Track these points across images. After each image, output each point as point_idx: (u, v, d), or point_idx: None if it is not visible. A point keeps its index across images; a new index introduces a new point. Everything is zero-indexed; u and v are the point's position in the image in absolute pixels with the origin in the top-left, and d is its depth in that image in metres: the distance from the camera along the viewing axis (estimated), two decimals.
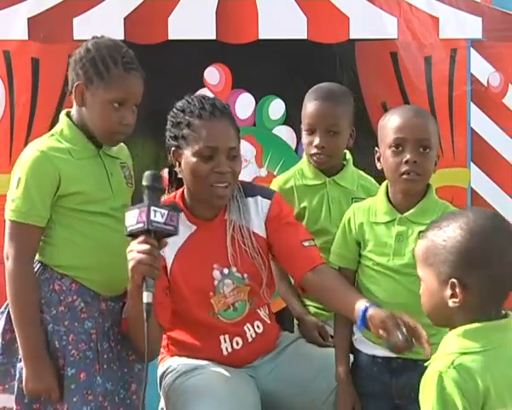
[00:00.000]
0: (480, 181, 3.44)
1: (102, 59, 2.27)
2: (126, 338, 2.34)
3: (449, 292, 1.68)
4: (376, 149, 2.31)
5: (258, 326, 2.45)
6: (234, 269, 2.38)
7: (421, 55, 3.41)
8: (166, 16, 3.27)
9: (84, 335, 2.27)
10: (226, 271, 2.38)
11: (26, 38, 3.24)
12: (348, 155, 2.74)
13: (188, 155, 2.32)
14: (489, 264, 1.67)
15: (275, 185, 2.71)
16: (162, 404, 2.49)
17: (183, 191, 2.43)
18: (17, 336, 2.25)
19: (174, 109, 2.42)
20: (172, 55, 3.29)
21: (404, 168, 2.18)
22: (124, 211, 2.30)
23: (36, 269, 2.29)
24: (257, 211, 2.43)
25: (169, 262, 2.34)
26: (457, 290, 1.67)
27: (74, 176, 2.25)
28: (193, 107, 2.35)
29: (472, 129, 3.43)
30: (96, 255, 2.28)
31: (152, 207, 2.01)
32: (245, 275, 2.39)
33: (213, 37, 3.29)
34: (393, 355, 2.18)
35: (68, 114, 2.34)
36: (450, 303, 1.68)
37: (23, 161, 2.24)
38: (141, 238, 2.05)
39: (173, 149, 2.38)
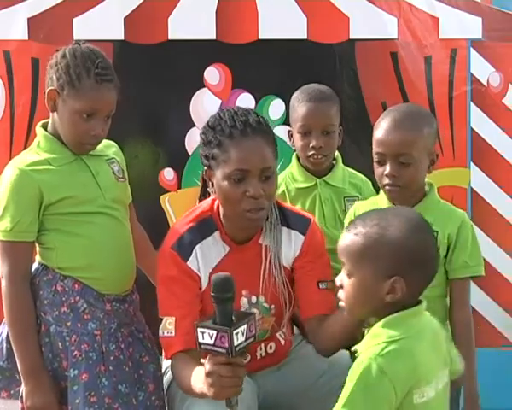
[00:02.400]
0: (480, 181, 3.44)
1: (75, 67, 2.25)
2: (137, 340, 2.34)
3: (387, 288, 1.78)
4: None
5: (270, 347, 2.41)
6: (262, 299, 2.30)
7: (421, 55, 3.40)
8: (166, 16, 3.27)
9: (87, 336, 2.28)
10: (254, 299, 2.30)
11: (26, 38, 3.24)
12: (336, 154, 2.75)
13: (218, 178, 2.19)
14: (426, 262, 1.83)
15: None
16: None
17: (219, 206, 2.31)
18: (15, 353, 2.27)
19: (206, 125, 2.26)
20: (172, 55, 3.29)
21: (385, 181, 2.26)
22: (115, 206, 2.33)
23: (38, 271, 2.30)
24: (289, 244, 2.33)
25: (204, 285, 2.27)
26: (398, 286, 1.78)
27: (57, 184, 2.26)
28: (223, 124, 2.20)
29: (472, 129, 3.43)
30: (93, 254, 2.30)
31: (234, 332, 1.81)
32: (272, 306, 2.32)
33: (213, 37, 3.29)
34: None
35: (44, 125, 2.35)
36: (388, 298, 1.79)
37: (3, 181, 2.27)
38: (222, 359, 1.85)
39: (205, 168, 2.26)
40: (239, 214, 2.19)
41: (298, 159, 2.76)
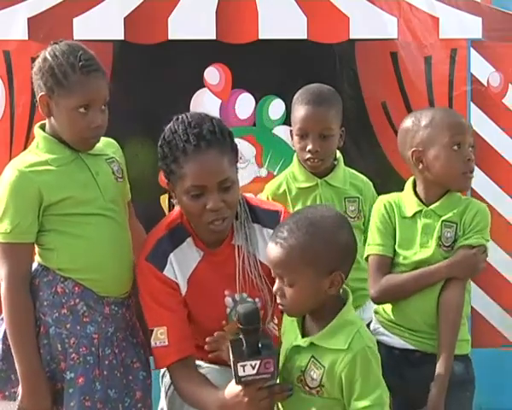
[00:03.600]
0: (480, 181, 3.44)
1: (60, 66, 2.23)
2: (130, 345, 2.34)
3: (328, 283, 1.92)
4: (415, 149, 2.33)
5: None
6: (245, 295, 2.29)
7: (421, 55, 3.41)
8: (166, 16, 3.27)
9: (86, 339, 2.28)
10: (238, 297, 2.29)
11: (26, 38, 3.24)
12: (338, 154, 2.74)
13: (178, 192, 2.19)
14: (353, 251, 1.98)
15: (267, 191, 2.72)
16: (162, 404, 2.49)
17: None
18: (13, 354, 2.26)
19: (162, 138, 2.24)
20: (172, 55, 3.29)
21: (467, 167, 2.30)
22: (114, 207, 2.32)
23: (38, 272, 2.30)
24: (263, 239, 2.30)
25: (183, 291, 2.28)
26: (338, 279, 1.92)
27: (56, 184, 2.25)
28: (178, 138, 2.17)
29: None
30: (92, 256, 2.29)
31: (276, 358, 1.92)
32: (256, 299, 2.30)
33: (213, 37, 3.29)
34: (411, 347, 2.30)
35: (42, 126, 2.34)
36: (332, 291, 1.93)
37: (3, 183, 2.26)
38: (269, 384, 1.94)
39: (167, 181, 2.25)
40: (203, 226, 2.20)
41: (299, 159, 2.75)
